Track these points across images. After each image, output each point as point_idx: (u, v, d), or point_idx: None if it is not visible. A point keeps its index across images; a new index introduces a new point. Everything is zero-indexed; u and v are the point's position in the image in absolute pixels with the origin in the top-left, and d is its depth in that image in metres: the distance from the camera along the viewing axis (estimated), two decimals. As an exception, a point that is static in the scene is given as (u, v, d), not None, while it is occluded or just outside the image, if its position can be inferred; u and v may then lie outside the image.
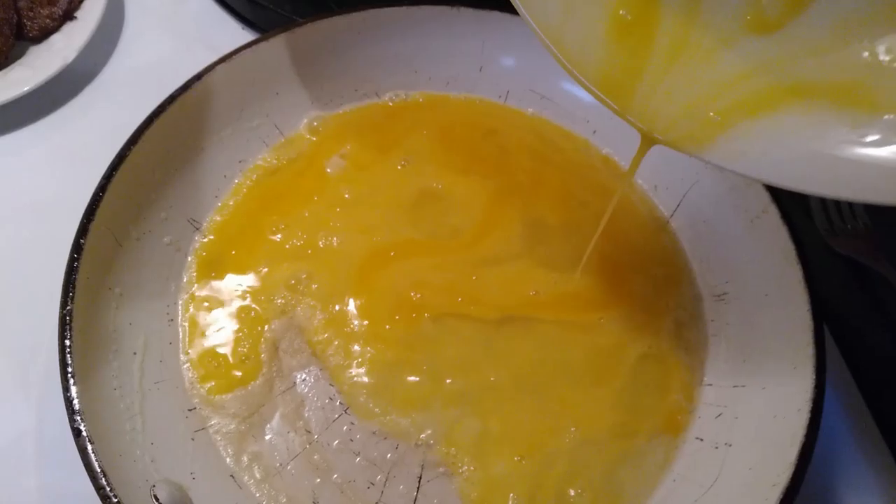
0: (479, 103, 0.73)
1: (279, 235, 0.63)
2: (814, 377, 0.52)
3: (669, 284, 0.64)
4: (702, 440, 0.57)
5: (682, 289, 0.64)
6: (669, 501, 0.54)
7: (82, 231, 0.51)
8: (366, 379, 0.57)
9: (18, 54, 0.72)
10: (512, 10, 0.47)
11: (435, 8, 0.68)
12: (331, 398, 0.56)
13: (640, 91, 0.45)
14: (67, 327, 0.49)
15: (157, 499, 0.46)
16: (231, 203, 0.65)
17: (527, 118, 0.73)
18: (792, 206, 0.59)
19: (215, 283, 0.61)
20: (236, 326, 0.58)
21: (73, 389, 0.47)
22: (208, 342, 0.58)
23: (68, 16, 0.75)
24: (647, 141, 0.45)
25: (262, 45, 0.65)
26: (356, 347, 0.58)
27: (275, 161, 0.67)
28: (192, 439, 0.54)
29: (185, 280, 0.61)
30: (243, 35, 0.82)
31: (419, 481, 0.54)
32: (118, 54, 0.79)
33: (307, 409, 0.56)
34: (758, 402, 0.54)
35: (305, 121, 0.69)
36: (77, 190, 0.54)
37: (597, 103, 0.45)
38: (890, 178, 0.36)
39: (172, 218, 0.61)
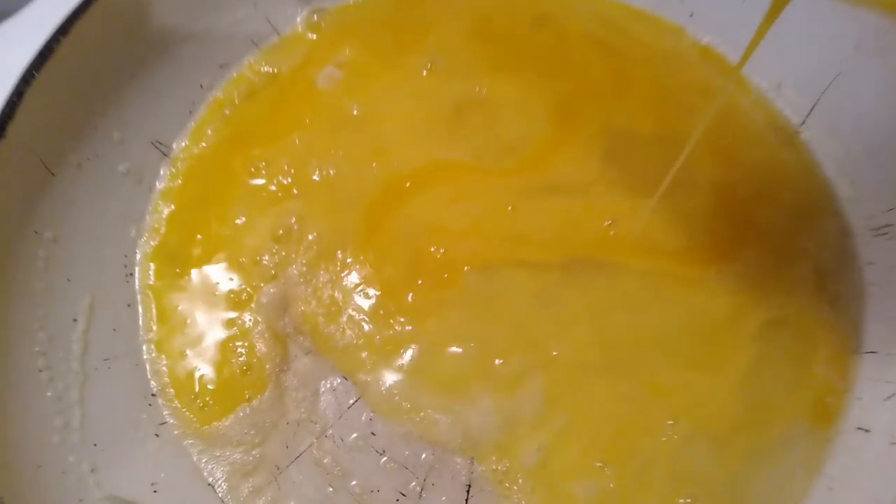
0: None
1: (263, 171, 0.47)
2: None
3: (804, 218, 0.47)
4: (868, 431, 0.40)
5: (822, 223, 0.47)
6: (827, 521, 0.38)
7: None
8: (386, 365, 0.41)
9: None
10: None
11: None
12: (339, 386, 0.41)
13: None
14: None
15: (90, 530, 0.32)
16: (209, 131, 0.48)
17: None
18: None
19: (191, 230, 0.45)
20: (222, 305, 0.43)
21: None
22: (183, 332, 0.43)
23: None
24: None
25: None
26: (367, 326, 0.42)
27: (267, 67, 0.51)
28: (157, 435, 0.39)
29: (148, 222, 0.45)
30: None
31: (468, 493, 0.39)
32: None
33: (311, 398, 0.41)
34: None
35: (304, 13, 0.53)
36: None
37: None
38: None
39: (130, 139, 0.46)
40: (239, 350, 0.42)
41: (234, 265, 0.44)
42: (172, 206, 0.46)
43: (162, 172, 0.47)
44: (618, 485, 0.39)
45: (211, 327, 0.42)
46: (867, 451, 0.39)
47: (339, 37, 0.52)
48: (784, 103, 0.50)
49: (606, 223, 0.45)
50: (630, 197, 0.46)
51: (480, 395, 0.40)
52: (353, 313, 0.42)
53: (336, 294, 0.43)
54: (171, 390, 0.41)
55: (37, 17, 0.48)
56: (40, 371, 0.37)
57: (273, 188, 0.46)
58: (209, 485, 0.39)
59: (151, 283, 0.44)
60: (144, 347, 0.42)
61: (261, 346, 0.41)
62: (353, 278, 0.43)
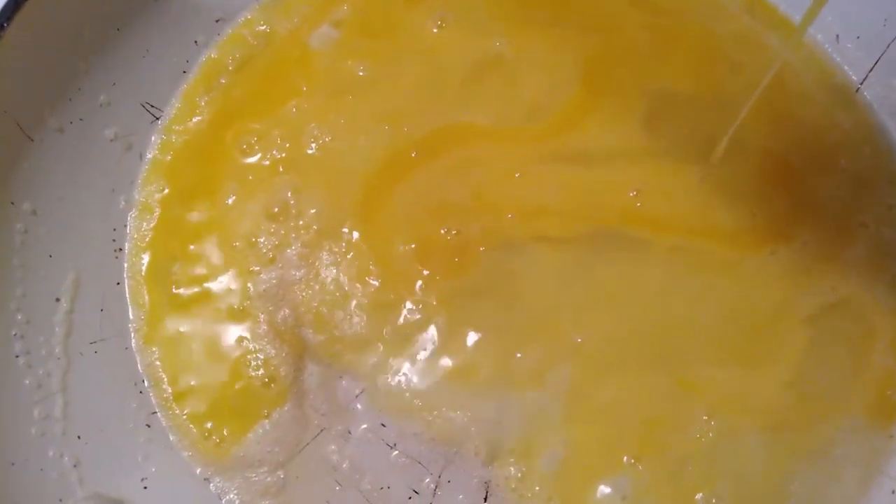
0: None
1: (256, 146, 0.42)
2: None
3: (863, 188, 0.42)
4: (936, 430, 0.36)
5: (883, 194, 0.42)
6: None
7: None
8: (396, 360, 0.37)
9: None
10: None
11: None
12: (344, 380, 0.37)
13: None
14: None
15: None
16: (202, 101, 0.44)
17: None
18: None
19: (183, 206, 0.41)
20: (217, 303, 0.39)
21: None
22: (179, 341, 0.39)
23: None
24: None
25: None
26: (373, 316, 0.38)
27: (263, 27, 0.46)
28: (148, 426, 0.36)
29: (139, 196, 0.41)
30: None
31: (486, 491, 0.35)
32: None
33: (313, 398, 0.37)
34: None
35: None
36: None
37: None
38: None
39: (118, 101, 0.42)
40: (245, 359, 0.38)
41: (228, 249, 0.40)
42: (165, 186, 0.42)
43: (153, 139, 0.43)
44: (646, 484, 0.35)
45: (208, 329, 0.38)
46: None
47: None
48: (842, 58, 0.45)
49: (632, 194, 0.41)
50: (674, 164, 0.41)
51: (499, 391, 0.37)
52: (358, 303, 0.38)
53: (340, 278, 0.39)
54: (176, 409, 0.37)
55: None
56: (17, 357, 0.34)
57: (267, 163, 0.42)
58: (205, 479, 0.36)
59: (143, 267, 0.40)
60: (136, 328, 0.38)
61: (268, 350, 0.38)
62: (355, 262, 0.39)
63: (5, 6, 0.36)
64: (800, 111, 0.44)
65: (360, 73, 0.44)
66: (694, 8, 0.46)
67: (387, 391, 0.37)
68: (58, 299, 0.37)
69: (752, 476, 0.36)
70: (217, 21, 0.46)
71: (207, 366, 0.37)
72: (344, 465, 0.36)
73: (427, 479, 0.36)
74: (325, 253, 0.39)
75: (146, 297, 0.39)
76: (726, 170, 0.40)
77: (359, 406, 0.37)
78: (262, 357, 0.37)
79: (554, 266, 0.39)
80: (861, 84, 0.44)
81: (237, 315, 0.38)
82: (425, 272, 0.39)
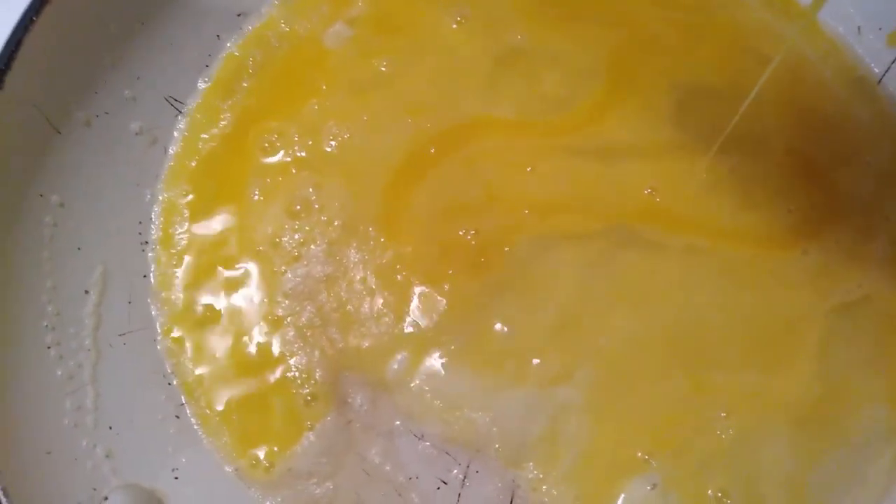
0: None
1: (278, 145, 0.42)
2: None
3: (885, 181, 0.42)
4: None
5: (906, 186, 0.42)
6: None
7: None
8: (419, 360, 0.37)
9: None
10: None
11: None
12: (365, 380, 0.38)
13: None
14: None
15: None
16: (224, 105, 0.44)
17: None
18: None
19: (207, 209, 0.41)
20: (244, 305, 0.39)
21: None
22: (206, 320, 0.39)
23: None
24: None
25: None
26: (396, 316, 0.38)
27: (284, 26, 0.46)
28: (177, 417, 0.36)
29: (164, 192, 0.42)
30: None
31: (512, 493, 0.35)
32: None
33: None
34: None
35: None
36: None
37: None
38: None
39: (142, 95, 0.42)
40: (277, 370, 0.38)
41: (252, 251, 0.40)
42: (189, 191, 0.42)
43: (176, 134, 0.43)
44: (667, 483, 0.35)
45: (236, 332, 0.38)
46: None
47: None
48: (864, 50, 0.45)
49: (647, 191, 0.40)
50: (699, 161, 0.41)
51: (522, 392, 0.36)
52: (385, 301, 0.38)
53: (367, 277, 0.39)
54: (203, 404, 0.37)
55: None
56: (49, 348, 0.34)
57: (288, 160, 0.42)
58: (235, 469, 0.36)
59: (170, 264, 0.40)
60: (160, 328, 0.38)
61: (298, 359, 0.38)
62: (380, 262, 0.39)
63: (32, 2, 0.36)
64: (821, 105, 0.44)
65: (383, 69, 0.44)
66: (720, 2, 0.46)
67: (409, 393, 0.37)
68: (87, 291, 0.37)
69: (774, 472, 0.36)
70: (238, 16, 0.46)
71: (236, 374, 0.37)
72: (371, 453, 0.36)
73: (455, 470, 0.36)
74: (350, 250, 0.39)
75: (173, 294, 0.39)
76: (751, 167, 0.40)
77: (388, 407, 0.36)
78: (295, 368, 0.37)
79: (572, 265, 0.39)
80: (883, 76, 0.44)
81: (265, 318, 0.38)
82: (450, 271, 0.39)
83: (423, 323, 0.38)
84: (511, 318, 0.38)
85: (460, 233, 0.39)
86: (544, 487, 0.36)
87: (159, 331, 0.38)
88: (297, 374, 0.37)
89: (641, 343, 0.38)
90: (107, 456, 0.33)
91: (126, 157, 0.41)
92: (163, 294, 0.39)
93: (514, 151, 0.42)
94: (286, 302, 0.38)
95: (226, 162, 0.42)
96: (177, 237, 0.41)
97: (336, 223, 0.40)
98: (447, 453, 0.36)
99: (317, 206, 0.40)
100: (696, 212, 0.40)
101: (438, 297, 0.38)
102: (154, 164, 0.42)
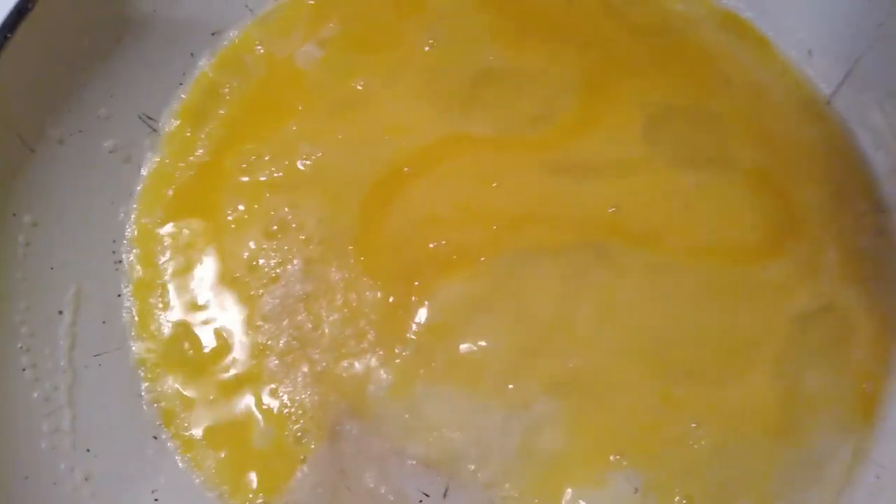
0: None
1: (255, 167, 0.43)
2: None
3: (838, 197, 0.44)
4: (915, 419, 0.38)
5: (855, 201, 0.44)
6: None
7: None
8: (400, 380, 0.38)
9: None
10: None
11: None
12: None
13: None
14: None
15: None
16: (202, 135, 0.44)
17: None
18: None
19: (180, 221, 0.41)
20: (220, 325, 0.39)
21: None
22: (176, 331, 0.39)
23: None
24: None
25: None
26: (375, 333, 0.38)
27: (259, 47, 0.46)
28: (155, 437, 0.36)
29: (137, 206, 0.41)
30: None
31: None
32: None
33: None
34: None
35: (302, -26, 0.48)
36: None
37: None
38: None
39: (117, 113, 0.42)
40: (260, 405, 0.37)
41: (228, 278, 0.40)
42: (165, 217, 0.42)
43: (150, 153, 0.43)
44: (641, 493, 0.36)
45: (211, 369, 0.38)
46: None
47: (329, 6, 0.48)
48: (814, 72, 0.48)
49: (611, 210, 0.42)
50: (670, 177, 0.43)
51: (499, 410, 0.37)
52: (366, 321, 0.38)
53: (349, 297, 0.39)
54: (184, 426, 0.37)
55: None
56: (24, 370, 0.33)
57: (264, 181, 0.42)
58: (219, 494, 0.35)
59: (143, 286, 0.40)
60: (134, 348, 0.38)
61: (284, 388, 0.37)
62: (356, 279, 0.39)
63: (7, 18, 0.36)
64: (777, 125, 0.46)
65: (359, 88, 0.45)
66: (683, 25, 0.49)
67: (398, 414, 0.37)
68: (61, 312, 0.36)
69: (744, 477, 0.38)
70: (213, 34, 0.46)
71: (216, 398, 0.37)
72: (371, 486, 0.36)
73: (434, 491, 0.36)
74: (328, 269, 0.39)
75: (148, 314, 0.39)
76: (715, 185, 0.42)
77: (374, 431, 0.37)
78: (280, 398, 0.37)
79: (545, 279, 0.40)
80: (832, 97, 0.47)
81: (244, 340, 0.38)
82: (425, 289, 0.39)
83: (401, 342, 0.38)
84: (487, 334, 0.39)
85: (432, 246, 0.40)
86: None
87: (134, 351, 0.38)
88: (284, 408, 0.37)
89: (613, 359, 0.39)
90: (86, 479, 0.32)
91: (99, 175, 0.41)
92: (137, 314, 0.39)
93: (489, 168, 0.43)
94: (265, 325, 0.38)
95: (201, 185, 0.42)
96: (151, 257, 0.41)
97: (313, 242, 0.40)
98: (429, 472, 0.36)
99: (294, 226, 0.40)
100: (661, 229, 0.42)
101: (416, 316, 0.39)
102: (128, 183, 0.42)
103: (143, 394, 0.37)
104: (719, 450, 0.37)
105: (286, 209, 0.41)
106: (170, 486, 0.35)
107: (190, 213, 0.42)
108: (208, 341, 0.38)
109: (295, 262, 0.39)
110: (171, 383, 0.38)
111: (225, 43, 0.46)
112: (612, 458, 0.36)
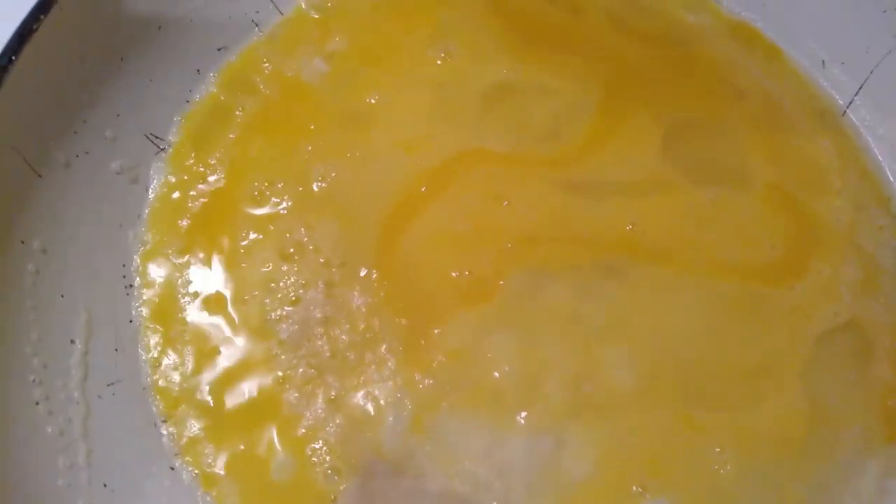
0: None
1: (267, 193, 0.42)
2: None
3: (857, 209, 0.44)
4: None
5: (873, 215, 0.44)
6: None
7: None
8: (416, 410, 0.37)
9: None
10: None
11: None
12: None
13: None
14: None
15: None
16: (212, 160, 0.43)
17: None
18: None
19: (191, 244, 0.40)
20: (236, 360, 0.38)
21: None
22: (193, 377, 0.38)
23: None
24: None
25: None
26: (390, 361, 0.37)
27: (267, 65, 0.45)
28: (172, 469, 0.35)
29: (146, 228, 0.40)
30: None
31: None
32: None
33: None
34: None
35: (308, -9, 0.48)
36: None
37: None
38: None
39: (124, 134, 0.41)
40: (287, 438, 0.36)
41: (242, 301, 0.39)
42: (172, 239, 0.41)
43: (157, 174, 0.42)
44: None
45: (231, 385, 0.37)
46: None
47: (336, 20, 0.47)
48: (829, 83, 0.47)
49: (629, 228, 0.41)
50: (686, 194, 0.42)
51: (522, 438, 0.36)
52: (383, 345, 0.37)
53: (368, 323, 0.38)
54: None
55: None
56: (37, 404, 0.32)
57: (281, 207, 0.41)
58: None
59: (155, 311, 0.39)
60: (149, 376, 0.37)
61: (306, 421, 0.36)
62: (372, 305, 0.38)
63: (10, 42, 0.35)
64: (792, 138, 0.46)
65: (372, 102, 0.44)
66: (692, 36, 0.48)
67: (421, 445, 0.36)
68: (73, 341, 0.35)
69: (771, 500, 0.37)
70: (219, 50, 0.45)
71: (236, 427, 0.36)
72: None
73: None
74: (353, 293, 0.38)
75: (160, 339, 0.38)
76: (733, 202, 0.42)
77: (399, 463, 0.36)
78: (299, 431, 0.36)
79: (563, 300, 0.39)
80: (847, 108, 0.47)
81: (260, 366, 0.37)
82: (446, 313, 0.38)
83: (421, 370, 0.37)
84: (505, 360, 0.38)
85: (454, 274, 0.39)
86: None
87: (148, 379, 0.37)
88: (307, 442, 0.36)
89: (633, 382, 0.38)
90: (103, 515, 0.32)
91: (107, 197, 0.39)
92: (150, 340, 0.38)
93: (503, 185, 0.42)
94: (282, 352, 0.37)
95: (214, 206, 0.41)
96: (162, 280, 0.40)
97: (333, 266, 0.39)
98: None
99: (311, 248, 0.39)
100: (678, 246, 0.41)
101: (435, 342, 0.38)
102: (136, 204, 0.41)
103: (157, 423, 0.36)
104: (745, 473, 0.36)
105: (302, 230, 0.40)
106: (188, 518, 0.34)
107: (202, 234, 0.41)
108: (225, 367, 0.37)
109: (312, 290, 0.38)
110: (187, 411, 0.37)
111: (232, 59, 0.45)
112: (634, 488, 0.36)
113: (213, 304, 0.39)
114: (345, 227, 0.40)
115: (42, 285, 0.35)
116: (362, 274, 0.39)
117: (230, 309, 0.39)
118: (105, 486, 0.32)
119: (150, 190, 0.41)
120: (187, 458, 0.35)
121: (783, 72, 0.48)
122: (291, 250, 0.39)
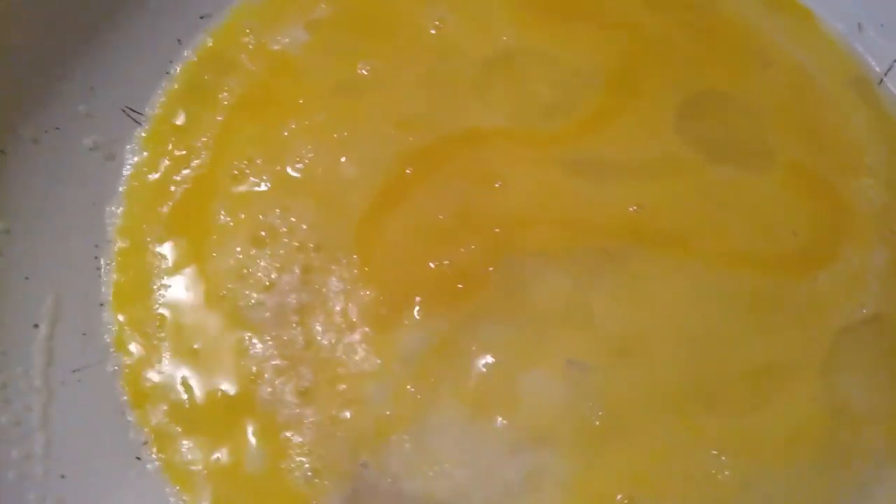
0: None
1: (246, 171, 0.39)
2: None
3: (888, 190, 0.40)
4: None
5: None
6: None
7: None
8: (400, 411, 0.34)
9: None
10: None
11: None
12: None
13: None
14: None
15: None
16: (197, 143, 0.40)
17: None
18: None
19: (165, 224, 0.38)
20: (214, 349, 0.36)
21: None
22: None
23: None
24: None
25: None
26: (369, 355, 0.34)
27: (248, 32, 0.43)
28: (138, 458, 0.33)
29: (121, 206, 0.39)
30: None
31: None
32: None
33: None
34: None
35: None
36: None
37: None
38: None
39: (98, 108, 0.39)
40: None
41: (216, 284, 0.37)
42: (147, 219, 0.39)
43: (135, 150, 0.40)
44: None
45: (204, 374, 0.35)
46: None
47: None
48: (865, 48, 0.43)
49: (633, 209, 0.37)
50: (694, 174, 0.38)
51: (506, 441, 0.34)
52: (360, 335, 0.35)
53: (346, 307, 0.35)
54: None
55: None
56: (-8, 391, 0.31)
57: (258, 188, 0.38)
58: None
59: (127, 293, 0.37)
60: (118, 360, 0.35)
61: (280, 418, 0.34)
62: (354, 292, 0.36)
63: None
64: (820, 110, 0.42)
65: (364, 73, 0.41)
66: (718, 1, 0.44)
67: (401, 447, 0.33)
68: (36, 325, 0.34)
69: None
70: (201, 18, 0.43)
71: (209, 422, 0.34)
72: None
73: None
74: (334, 278, 0.36)
75: (130, 324, 0.36)
76: (752, 183, 0.38)
77: (381, 465, 0.34)
78: (271, 425, 0.34)
79: (556, 289, 0.36)
80: (885, 76, 0.42)
81: (235, 355, 0.35)
82: (428, 301, 0.35)
83: (403, 365, 0.35)
84: (490, 352, 0.35)
85: (438, 262, 0.36)
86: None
87: (118, 364, 0.35)
88: (280, 431, 0.34)
89: (631, 382, 0.35)
90: (58, 510, 0.30)
91: (79, 175, 0.38)
92: (120, 324, 0.36)
93: (496, 165, 0.39)
94: (254, 338, 0.35)
95: (191, 188, 0.39)
96: (135, 262, 0.38)
97: (309, 247, 0.37)
98: None
99: (285, 229, 0.37)
100: (689, 232, 0.37)
101: (418, 334, 0.35)
102: (111, 182, 0.39)
103: (125, 410, 0.35)
104: (746, 480, 0.33)
105: (277, 211, 0.38)
106: (152, 512, 0.32)
107: (179, 214, 0.39)
108: (197, 354, 0.36)
109: (287, 273, 0.36)
110: (156, 399, 0.35)
111: (214, 27, 0.43)
112: (618, 496, 0.33)
113: (188, 287, 0.37)
114: (324, 210, 0.37)
115: (4, 268, 0.34)
116: (344, 260, 0.36)
117: (204, 293, 0.37)
118: (63, 477, 0.31)
119: (127, 166, 0.40)
120: (154, 449, 0.34)
121: (814, 36, 0.44)
122: (263, 233, 0.37)
